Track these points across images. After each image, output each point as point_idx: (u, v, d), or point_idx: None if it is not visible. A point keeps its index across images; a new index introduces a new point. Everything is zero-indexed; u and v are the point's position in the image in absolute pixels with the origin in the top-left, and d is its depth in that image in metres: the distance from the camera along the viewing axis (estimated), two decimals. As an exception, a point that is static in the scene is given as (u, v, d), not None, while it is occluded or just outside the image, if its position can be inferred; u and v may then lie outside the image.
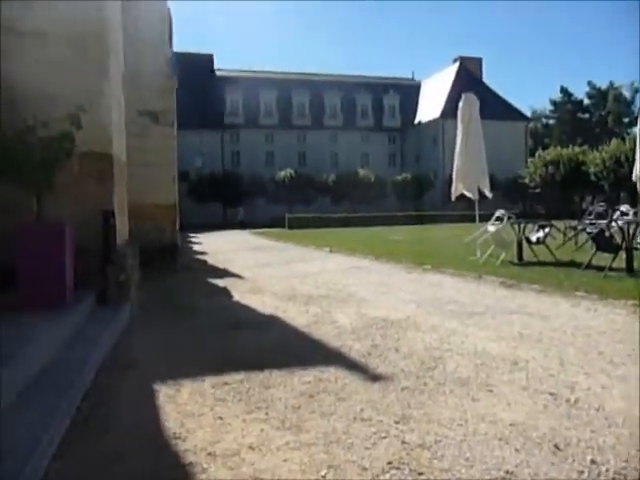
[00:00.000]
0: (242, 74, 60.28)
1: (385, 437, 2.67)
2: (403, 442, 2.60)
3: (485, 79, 62.29)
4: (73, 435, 2.69)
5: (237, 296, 7.58)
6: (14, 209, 5.48)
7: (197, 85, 49.51)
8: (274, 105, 59.53)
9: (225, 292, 8.05)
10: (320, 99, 60.48)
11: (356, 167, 55.30)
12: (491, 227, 11.25)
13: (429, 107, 60.55)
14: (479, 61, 63.63)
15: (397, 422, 2.86)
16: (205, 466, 2.37)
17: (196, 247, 19.17)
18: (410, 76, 69.41)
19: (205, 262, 13.42)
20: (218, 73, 59.70)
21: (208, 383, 3.61)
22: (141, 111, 11.38)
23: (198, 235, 28.29)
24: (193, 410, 3.10)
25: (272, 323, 5.74)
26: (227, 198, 50.88)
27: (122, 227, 6.87)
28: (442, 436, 2.67)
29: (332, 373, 3.80)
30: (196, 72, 51.15)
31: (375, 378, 3.69)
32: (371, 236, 21.85)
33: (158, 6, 12.20)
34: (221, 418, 2.96)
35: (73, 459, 2.44)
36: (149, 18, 11.64)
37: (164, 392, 3.43)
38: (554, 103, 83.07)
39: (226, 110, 57.89)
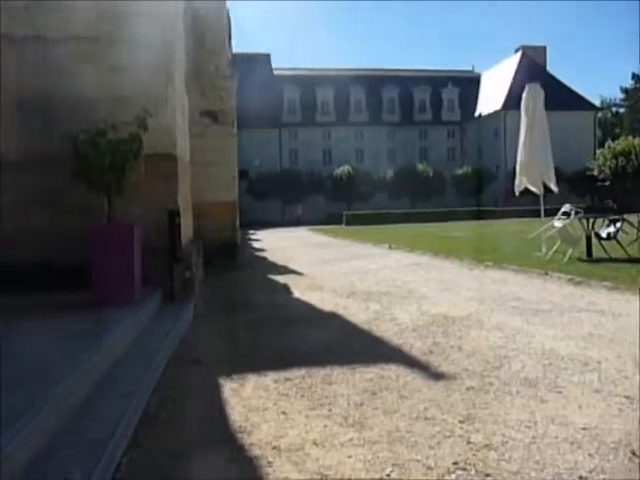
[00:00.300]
0: (299, 72, 60.68)
1: (450, 437, 2.63)
2: (469, 442, 2.55)
3: (549, 68, 59.83)
4: (146, 426, 2.81)
5: (297, 293, 7.66)
6: (88, 210, 5.78)
7: (255, 84, 50.24)
8: (331, 102, 59.58)
9: (285, 289, 8.15)
10: (377, 94, 60.00)
11: (414, 162, 54.55)
12: (557, 222, 10.81)
13: (490, 99, 58.84)
14: (543, 50, 61.15)
15: (462, 422, 2.81)
16: (270, 460, 2.42)
17: (255, 244, 19.52)
18: (470, 68, 67.67)
19: (265, 259, 13.65)
20: (275, 72, 60.39)
21: (271, 378, 3.67)
22: (202, 112, 11.68)
23: (257, 232, 28.80)
24: (257, 404, 3.16)
25: (332, 320, 5.77)
26: (285, 196, 51.50)
27: (186, 226, 7.09)
28: (509, 438, 2.60)
29: (394, 371, 3.78)
30: (254, 72, 51.97)
31: (438, 376, 3.64)
32: (430, 232, 21.52)
33: (218, 9, 12.47)
34: (285, 413, 3.01)
35: (146, 449, 2.54)
36: (209, 21, 11.91)
37: (229, 386, 3.52)
38: (625, 91, 78.73)
39: (284, 108, 58.51)
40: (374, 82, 59.65)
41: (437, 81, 61.73)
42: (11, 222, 5.80)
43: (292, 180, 51.09)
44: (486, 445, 2.52)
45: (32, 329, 4.06)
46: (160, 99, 6.03)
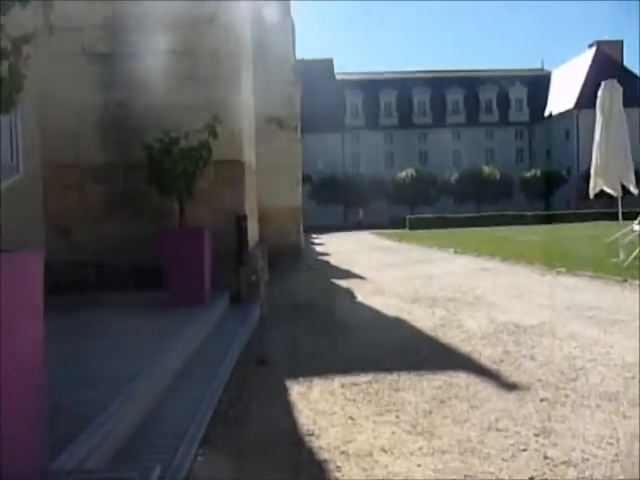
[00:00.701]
0: (361, 76, 60.68)
1: (524, 450, 2.53)
2: (545, 457, 2.45)
3: (627, 63, 56.75)
4: (217, 424, 2.89)
5: (361, 297, 7.65)
6: (161, 215, 6.03)
7: (318, 90, 50.70)
8: (394, 105, 59.17)
9: (349, 293, 8.15)
10: (441, 96, 58.99)
11: (480, 164, 53.15)
12: (637, 226, 10.21)
13: (561, 98, 56.46)
14: (619, 44, 58.02)
15: (537, 435, 2.70)
16: (339, 464, 2.42)
17: (318, 248, 19.64)
18: (539, 66, 65.23)
19: (328, 263, 13.70)
20: (338, 77, 60.66)
21: (337, 382, 3.68)
22: (268, 118, 11.90)
23: (320, 236, 28.98)
24: (324, 409, 3.17)
25: (397, 325, 5.71)
26: (348, 200, 51.52)
27: (252, 230, 7.24)
28: (590, 454, 2.47)
29: (462, 379, 3.69)
30: (317, 77, 52.42)
31: (509, 387, 3.52)
32: (498, 236, 20.87)
33: (282, 16, 12.70)
34: (352, 418, 3.00)
35: (217, 447, 2.61)
36: (274, 28, 12.14)
37: (296, 389, 3.55)
38: None
39: (346, 112, 58.65)
40: (438, 84, 58.70)
41: (504, 80, 59.94)
42: (100, 227, 6.17)
43: (355, 184, 51.02)
44: (564, 461, 2.41)
45: (112, 326, 4.28)
46: (228, 107, 6.20)
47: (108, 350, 3.56)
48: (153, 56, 6.23)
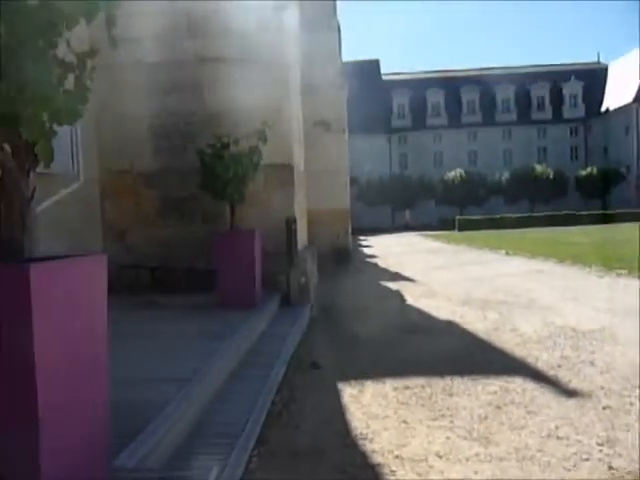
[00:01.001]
0: (408, 76, 60.08)
1: (587, 459, 2.43)
2: (610, 467, 2.35)
3: (691, 54, 53.75)
4: (271, 425, 2.92)
5: (410, 299, 7.56)
6: (213, 218, 6.17)
7: (365, 91, 50.50)
8: (442, 104, 58.23)
9: (398, 295, 8.08)
10: (491, 94, 57.60)
11: (532, 163, 51.59)
12: None
13: (619, 92, 54.09)
14: (682, 34, 55.09)
15: (600, 444, 2.59)
16: (393, 469, 2.40)
17: (366, 250, 19.56)
18: (595, 59, 62.77)
19: (376, 265, 13.62)
20: (384, 77, 60.31)
21: (389, 386, 3.65)
22: (315, 121, 11.95)
23: (368, 238, 28.86)
24: (377, 412, 3.15)
25: (449, 328, 5.62)
26: (395, 201, 51.07)
27: (302, 232, 7.30)
28: (658, 465, 2.35)
29: (519, 384, 3.59)
30: (363, 78, 52.28)
31: (569, 393, 3.40)
32: (552, 237, 20.21)
33: (328, 18, 12.74)
34: (405, 422, 2.97)
35: (272, 448, 2.64)
36: (321, 32, 12.19)
37: (348, 392, 3.55)
38: None
39: (393, 113, 58.21)
40: (487, 81, 57.35)
41: (557, 76, 57.94)
42: (154, 230, 6.38)
43: (402, 185, 50.54)
44: (631, 471, 2.30)
45: (166, 328, 4.40)
46: (278, 112, 6.27)
47: (163, 351, 3.66)
48: (204, 64, 6.39)
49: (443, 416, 3.05)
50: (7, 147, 1.56)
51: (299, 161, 7.24)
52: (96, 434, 1.68)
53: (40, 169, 1.67)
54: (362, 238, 28.65)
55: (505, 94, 58.18)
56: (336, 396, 3.49)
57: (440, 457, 2.49)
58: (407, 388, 3.57)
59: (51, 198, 4.68)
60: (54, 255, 1.62)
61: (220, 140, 5.39)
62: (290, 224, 6.22)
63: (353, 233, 18.85)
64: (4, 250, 1.54)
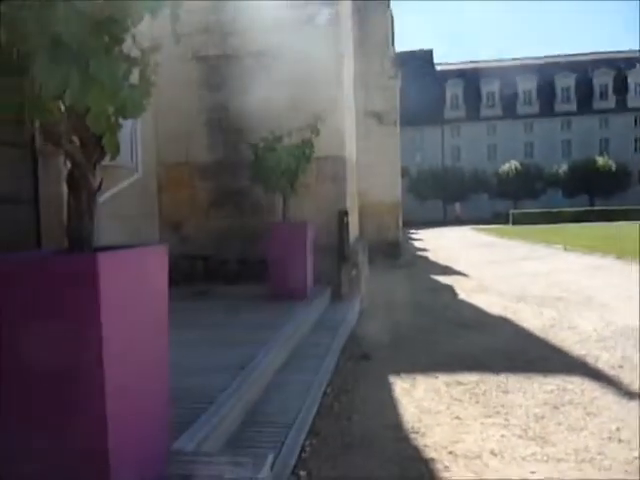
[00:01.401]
0: (462, 66, 58.72)
1: (652, 464, 2.33)
2: (677, 474, 2.24)
3: None
4: (323, 415, 2.94)
5: (462, 294, 7.43)
6: (265, 211, 6.25)
7: (417, 82, 49.74)
8: (496, 95, 56.57)
9: (449, 289, 7.96)
10: (549, 83, 55.50)
11: (593, 155, 49.43)
12: None
13: (689, 79, 51.01)
14: None
15: (666, 449, 2.47)
16: (447, 464, 2.37)
17: (417, 244, 19.34)
18: (663, 45, 59.34)
19: (426, 259, 13.46)
20: (438, 68, 59.17)
21: (441, 381, 3.60)
22: (367, 112, 11.87)
23: (418, 232, 28.50)
24: (429, 407, 3.12)
25: (502, 324, 5.49)
26: (447, 194, 50.16)
27: (353, 225, 7.28)
28: None
29: (577, 384, 3.47)
30: (416, 69, 51.47)
31: (631, 395, 3.26)
32: (611, 233, 19.35)
33: (381, 10, 12.60)
34: (458, 418, 2.93)
35: (324, 438, 2.66)
36: (374, 22, 12.08)
37: (399, 385, 3.53)
38: None
39: (446, 104, 57.05)
40: (545, 70, 55.27)
41: (622, 63, 55.18)
42: (207, 221, 6.53)
43: (454, 178, 49.57)
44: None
45: (219, 317, 4.50)
46: (330, 104, 6.26)
47: (217, 340, 3.74)
48: (257, 57, 6.45)
49: (497, 413, 2.98)
50: (76, 140, 1.63)
51: (351, 153, 7.21)
52: (158, 419, 1.74)
53: (104, 162, 1.73)
54: (412, 231, 28.32)
55: (565, 82, 55.87)
56: (387, 389, 3.48)
57: (495, 455, 2.45)
58: (460, 384, 3.51)
59: (111, 190, 4.85)
60: (119, 245, 1.69)
61: (273, 133, 5.44)
62: (342, 217, 6.21)
63: (403, 226, 18.66)
64: (73, 240, 1.61)
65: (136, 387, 1.57)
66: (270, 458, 1.89)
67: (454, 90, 57.16)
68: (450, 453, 2.48)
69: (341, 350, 4.33)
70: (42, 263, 1.43)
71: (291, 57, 6.38)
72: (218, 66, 6.51)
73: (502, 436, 2.67)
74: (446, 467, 2.34)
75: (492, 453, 2.47)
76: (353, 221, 7.32)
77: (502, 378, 3.61)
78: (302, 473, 2.29)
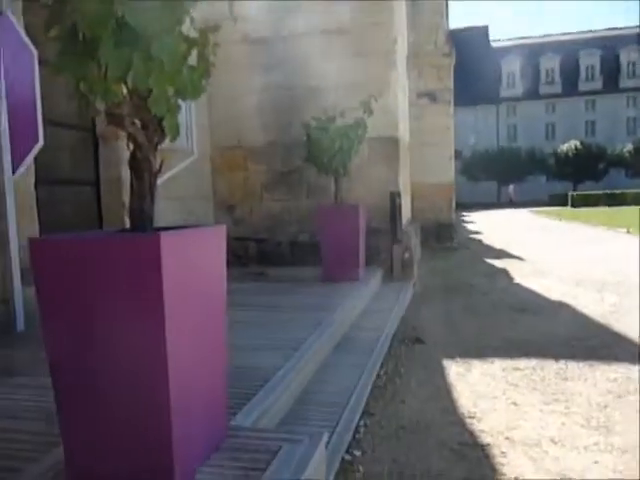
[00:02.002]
0: (520, 42, 56.34)
1: None
2: None
3: None
4: (377, 397, 2.94)
5: (518, 278, 7.23)
6: (317, 192, 6.26)
7: (472, 59, 48.18)
8: (557, 71, 54.03)
9: (504, 273, 7.75)
10: (614, 57, 52.51)
11: (661, 133, 46.69)
12: None
13: None
14: None
15: None
16: (504, 450, 2.32)
17: (470, 226, 18.91)
18: None
19: (480, 241, 13.15)
20: (494, 44, 57.04)
21: (498, 366, 3.53)
22: (420, 92, 11.63)
23: (471, 214, 27.87)
24: (485, 392, 3.06)
25: (561, 309, 5.31)
26: (502, 176, 48.62)
27: (406, 207, 7.18)
28: None
29: (644, 373, 3.31)
30: (471, 46, 49.81)
31: (703, 386, 3.09)
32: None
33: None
34: (515, 404, 2.86)
35: (379, 420, 2.66)
36: (427, -1, 11.74)
37: (454, 370, 3.48)
38: None
39: (502, 82, 55.02)
40: (609, 44, 52.27)
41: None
42: (260, 203, 6.62)
43: (510, 159, 47.89)
44: None
45: (273, 299, 4.56)
46: (384, 84, 6.16)
47: (271, 320, 3.80)
48: (309, 37, 6.40)
49: (557, 401, 2.89)
50: (138, 122, 1.66)
51: (404, 134, 7.09)
52: (218, 395, 1.78)
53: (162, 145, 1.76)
54: (465, 214, 27.72)
55: (631, 57, 52.68)
56: (441, 373, 3.43)
57: (555, 443, 2.38)
58: (517, 369, 3.43)
59: (168, 172, 4.96)
60: (178, 225, 1.72)
61: (326, 113, 5.40)
62: (394, 198, 6.14)
63: (456, 208, 18.27)
64: (135, 220, 1.65)
65: (197, 364, 1.60)
66: (325, 436, 1.90)
67: (511, 67, 54.95)
68: (507, 439, 2.43)
69: (394, 333, 4.30)
70: (109, 242, 1.48)
71: (345, 36, 6.30)
72: (270, 47, 6.51)
73: (562, 424, 2.59)
74: (503, 453, 2.30)
75: (552, 441, 2.40)
76: (405, 203, 7.22)
77: (562, 365, 3.49)
78: (357, 453, 2.30)
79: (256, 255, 6.66)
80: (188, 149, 5.65)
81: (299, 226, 6.47)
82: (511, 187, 47.21)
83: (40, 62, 3.69)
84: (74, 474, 1.54)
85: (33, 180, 3.84)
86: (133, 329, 1.44)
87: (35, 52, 3.66)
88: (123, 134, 1.66)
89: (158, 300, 1.40)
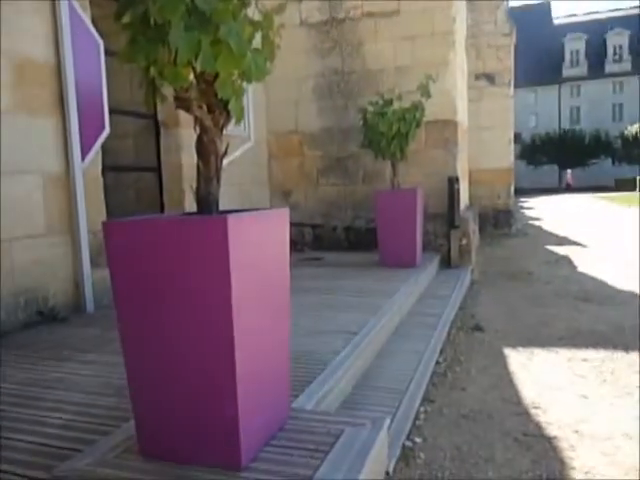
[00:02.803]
0: (585, 17, 53.47)
1: None
2: None
3: None
4: (436, 384, 2.90)
5: (581, 266, 6.94)
6: (373, 177, 6.20)
7: (532, 39, 46.22)
8: (625, 47, 50.94)
9: (567, 260, 7.47)
10: (690, 32, 49.00)
11: None
12: None
13: None
14: None
15: None
16: (573, 443, 2.24)
17: (529, 212, 18.28)
18: None
19: (540, 228, 12.70)
20: (556, 22, 54.44)
21: (562, 356, 3.40)
22: (478, 74, 11.30)
23: (530, 200, 26.93)
24: (550, 382, 2.96)
25: (630, 299, 5.05)
26: (564, 160, 46.57)
27: (464, 192, 7.01)
28: None
29: None
30: (531, 25, 47.75)
31: None
32: None
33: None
34: (584, 397, 2.75)
35: (439, 407, 2.62)
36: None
37: (515, 358, 3.38)
38: None
39: (565, 62, 52.46)
40: (686, 17, 48.78)
41: None
42: (316, 189, 6.63)
43: (572, 142, 45.76)
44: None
45: (330, 284, 4.56)
46: (442, 66, 6.00)
47: (330, 305, 3.79)
48: (365, 20, 6.30)
49: (629, 394, 2.76)
50: (204, 106, 1.67)
51: (463, 117, 6.89)
52: (280, 377, 1.80)
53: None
54: (524, 199, 26.83)
55: None
56: (502, 361, 3.35)
57: (630, 438, 2.26)
58: (584, 360, 3.29)
59: (227, 157, 5.03)
60: (240, 209, 1.73)
61: (382, 97, 5.32)
62: (452, 183, 5.99)
63: (515, 194, 17.69)
64: (202, 203, 1.67)
65: (261, 347, 1.62)
66: (387, 422, 1.89)
67: (574, 45, 52.24)
68: (576, 432, 2.34)
69: (452, 320, 4.22)
70: (180, 224, 1.50)
71: (403, 17, 6.17)
72: (326, 31, 6.46)
73: (636, 419, 2.47)
74: (572, 446, 2.21)
75: (626, 436, 2.29)
76: (463, 188, 7.04)
77: (634, 357, 3.33)
78: (417, 440, 2.28)
79: (312, 240, 6.69)
80: (245, 135, 5.71)
81: (355, 211, 6.44)
82: (569, 172, 45.21)
83: (105, 53, 3.81)
84: (144, 443, 1.60)
85: (100, 167, 3.98)
86: (202, 309, 1.46)
87: (101, 42, 3.77)
88: (184, 121, 1.68)
89: (225, 281, 1.41)
